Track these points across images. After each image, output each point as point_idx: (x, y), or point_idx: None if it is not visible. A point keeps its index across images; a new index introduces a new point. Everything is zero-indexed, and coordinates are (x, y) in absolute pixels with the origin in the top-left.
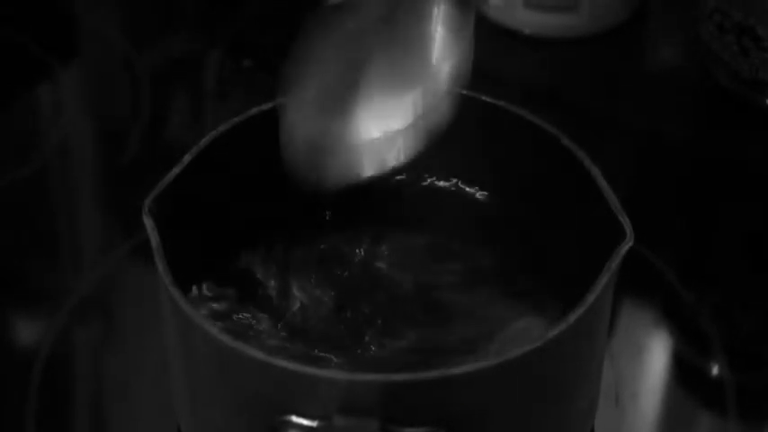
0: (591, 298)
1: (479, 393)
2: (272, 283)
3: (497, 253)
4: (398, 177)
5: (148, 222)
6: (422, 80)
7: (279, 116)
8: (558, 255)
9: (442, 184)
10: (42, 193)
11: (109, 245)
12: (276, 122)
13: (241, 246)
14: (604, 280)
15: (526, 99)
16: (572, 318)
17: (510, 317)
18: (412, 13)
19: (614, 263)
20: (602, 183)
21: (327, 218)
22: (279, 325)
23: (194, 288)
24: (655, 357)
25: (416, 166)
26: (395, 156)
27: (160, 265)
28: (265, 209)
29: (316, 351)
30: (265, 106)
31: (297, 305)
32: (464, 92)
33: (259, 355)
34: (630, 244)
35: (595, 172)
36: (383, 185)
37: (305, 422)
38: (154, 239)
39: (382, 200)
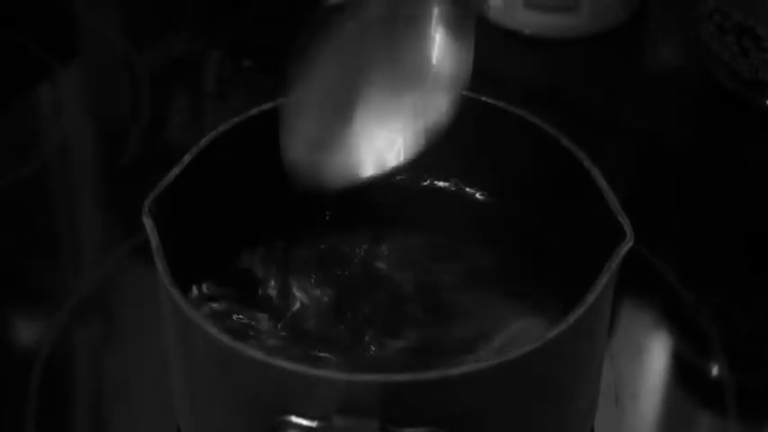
0: (591, 298)
1: (479, 393)
2: (272, 283)
3: (497, 253)
4: (398, 177)
5: (148, 223)
6: (422, 81)
7: (279, 116)
8: (558, 255)
9: (441, 184)
10: (42, 193)
11: (109, 245)
12: (276, 122)
13: (241, 246)
14: (604, 280)
15: (526, 99)
16: (572, 318)
17: (510, 317)
18: (412, 13)
19: (614, 263)
20: (602, 183)
21: (327, 218)
22: (279, 325)
23: (194, 288)
24: (655, 357)
25: (416, 166)
26: (395, 156)
27: (160, 266)
28: (265, 209)
29: (316, 351)
30: (265, 106)
31: (297, 305)
32: (464, 92)
33: (259, 355)
34: (630, 244)
35: (595, 172)
36: (383, 185)
37: (304, 422)
38: (154, 240)
39: (382, 200)
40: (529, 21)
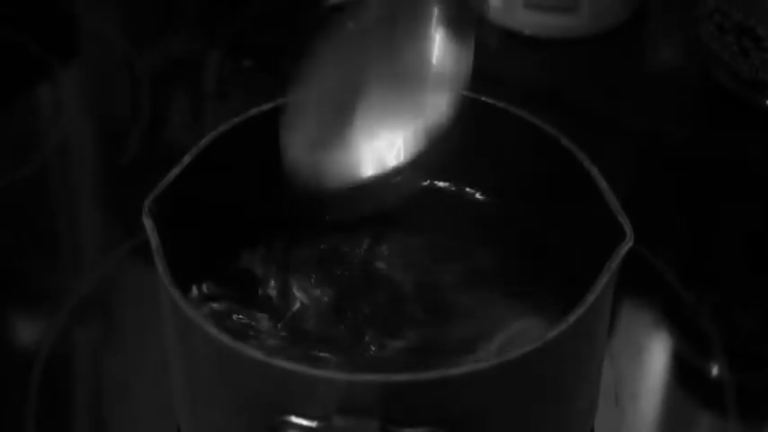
0: (591, 298)
1: (479, 394)
2: (272, 283)
3: (497, 253)
4: (398, 177)
5: (148, 223)
6: (422, 81)
7: (279, 116)
8: (558, 255)
9: (441, 184)
10: (42, 193)
11: (109, 245)
12: (276, 123)
13: (241, 246)
14: (604, 280)
15: (526, 100)
16: (572, 318)
17: (510, 317)
18: (412, 14)
19: (614, 263)
20: (602, 183)
21: (327, 218)
22: (279, 325)
23: (194, 288)
24: (655, 357)
25: (417, 166)
26: (395, 156)
27: (160, 266)
28: (265, 209)
29: (316, 351)
30: (265, 106)
31: (297, 305)
32: (464, 92)
33: (258, 355)
34: (630, 244)
35: (595, 172)
36: (383, 185)
37: (304, 422)
38: (154, 240)
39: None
40: (529, 21)
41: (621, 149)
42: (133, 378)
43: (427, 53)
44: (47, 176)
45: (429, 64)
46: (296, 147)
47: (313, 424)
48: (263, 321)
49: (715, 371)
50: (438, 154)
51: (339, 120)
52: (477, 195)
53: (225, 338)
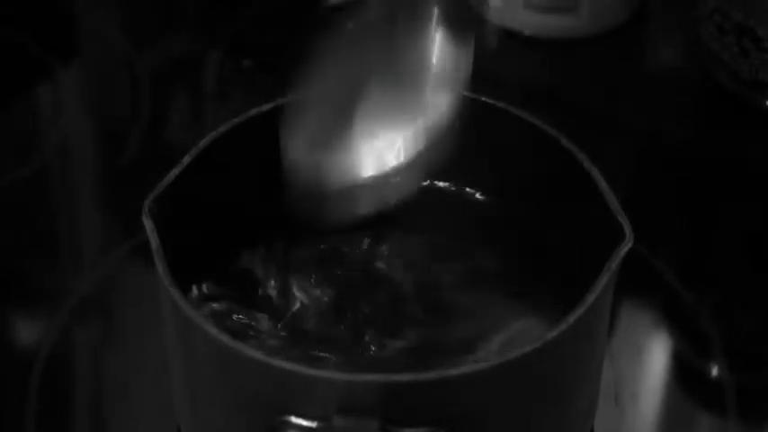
0: (591, 298)
1: (479, 394)
2: (272, 283)
3: (497, 253)
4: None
5: (148, 224)
6: (422, 81)
7: (279, 116)
8: (558, 255)
9: (441, 184)
10: (42, 193)
11: (109, 245)
12: (276, 122)
13: (241, 246)
14: (604, 280)
15: (526, 100)
16: (572, 318)
17: (510, 317)
18: (412, 14)
19: (614, 263)
20: (602, 183)
21: (327, 218)
22: (279, 325)
23: (194, 288)
24: (655, 357)
25: (416, 166)
26: (395, 156)
27: (160, 266)
28: (265, 209)
29: (315, 351)
30: (265, 107)
31: (297, 305)
32: (464, 93)
33: (258, 355)
34: (630, 244)
35: (595, 172)
36: (383, 185)
37: (304, 423)
38: (154, 240)
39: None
40: (529, 21)
41: (621, 149)
42: (133, 378)
43: (427, 53)
44: (47, 176)
45: (429, 64)
46: (296, 147)
47: (313, 424)
48: (263, 321)
49: (715, 371)
50: (438, 154)
51: (339, 120)
52: (477, 195)
53: (225, 338)
